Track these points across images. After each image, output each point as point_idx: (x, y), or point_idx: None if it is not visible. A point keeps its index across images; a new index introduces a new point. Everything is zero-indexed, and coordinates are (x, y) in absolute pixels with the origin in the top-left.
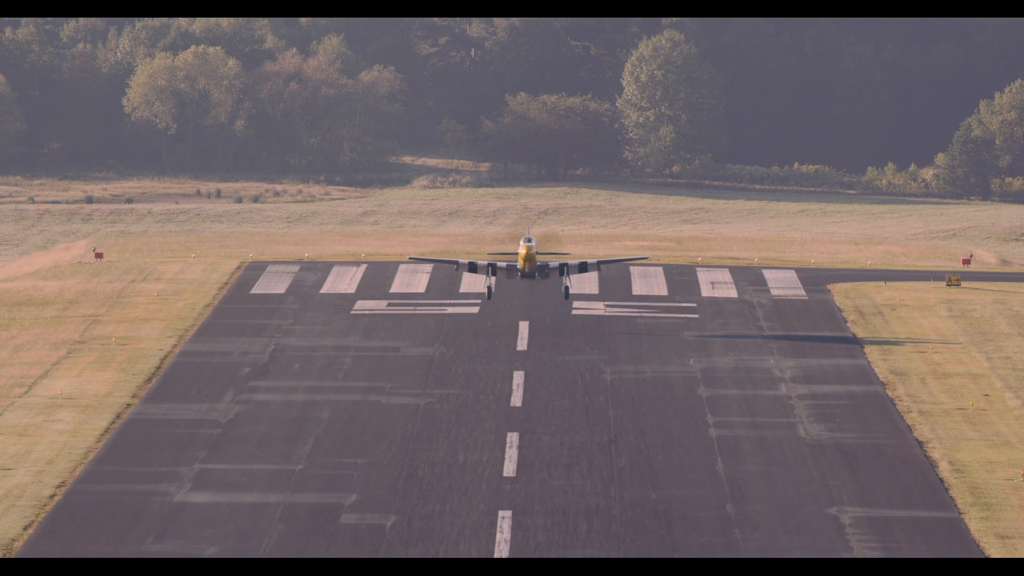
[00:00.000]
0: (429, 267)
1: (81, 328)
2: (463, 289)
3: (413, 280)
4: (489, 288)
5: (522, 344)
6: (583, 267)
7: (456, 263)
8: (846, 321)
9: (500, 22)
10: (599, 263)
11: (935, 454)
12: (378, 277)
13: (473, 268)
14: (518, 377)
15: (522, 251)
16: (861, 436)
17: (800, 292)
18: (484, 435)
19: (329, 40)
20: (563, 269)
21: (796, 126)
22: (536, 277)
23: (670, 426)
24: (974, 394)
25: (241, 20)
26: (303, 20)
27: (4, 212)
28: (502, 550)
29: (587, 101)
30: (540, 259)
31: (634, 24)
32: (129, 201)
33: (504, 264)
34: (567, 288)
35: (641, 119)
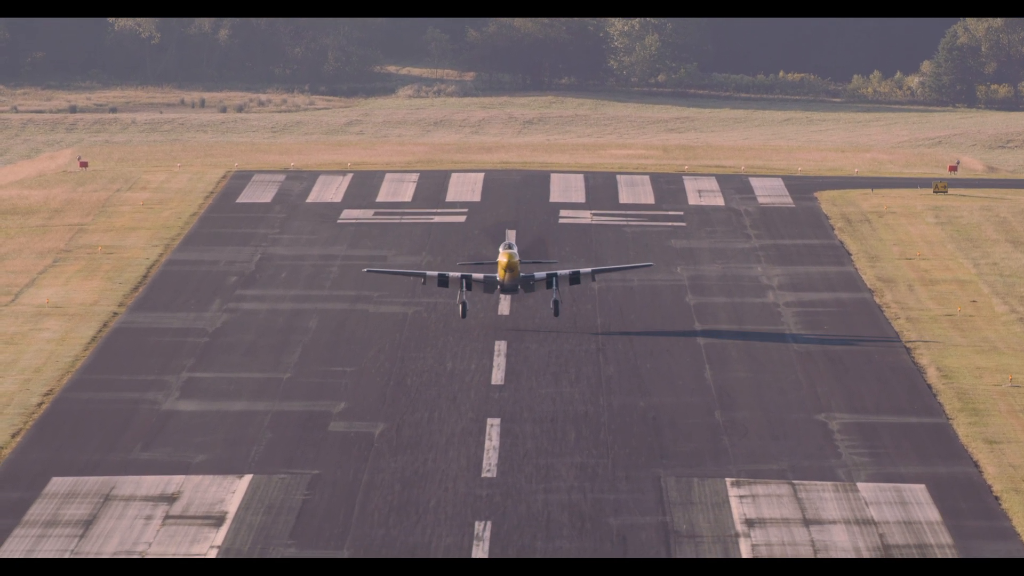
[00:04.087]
0: (415, 177)
1: (67, 237)
2: (450, 198)
3: (399, 189)
4: (463, 304)
5: None
6: (575, 278)
7: (423, 275)
8: (833, 229)
9: None
10: (593, 272)
11: (923, 360)
12: (364, 186)
13: (444, 282)
14: None
15: (503, 260)
16: (849, 343)
17: (787, 200)
18: (472, 343)
19: None
20: (551, 280)
21: (781, 34)
22: (519, 291)
23: (658, 334)
24: (961, 300)
25: None
26: None
27: None
28: (491, 457)
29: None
30: (524, 269)
31: None
32: (113, 111)
33: (481, 276)
34: (556, 303)
35: (626, 28)
